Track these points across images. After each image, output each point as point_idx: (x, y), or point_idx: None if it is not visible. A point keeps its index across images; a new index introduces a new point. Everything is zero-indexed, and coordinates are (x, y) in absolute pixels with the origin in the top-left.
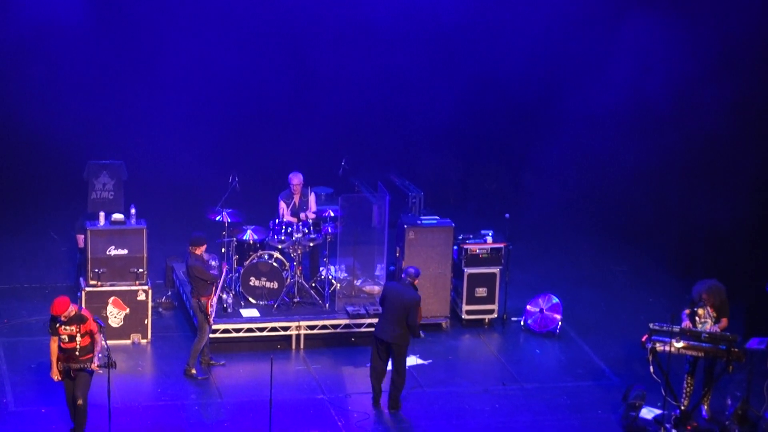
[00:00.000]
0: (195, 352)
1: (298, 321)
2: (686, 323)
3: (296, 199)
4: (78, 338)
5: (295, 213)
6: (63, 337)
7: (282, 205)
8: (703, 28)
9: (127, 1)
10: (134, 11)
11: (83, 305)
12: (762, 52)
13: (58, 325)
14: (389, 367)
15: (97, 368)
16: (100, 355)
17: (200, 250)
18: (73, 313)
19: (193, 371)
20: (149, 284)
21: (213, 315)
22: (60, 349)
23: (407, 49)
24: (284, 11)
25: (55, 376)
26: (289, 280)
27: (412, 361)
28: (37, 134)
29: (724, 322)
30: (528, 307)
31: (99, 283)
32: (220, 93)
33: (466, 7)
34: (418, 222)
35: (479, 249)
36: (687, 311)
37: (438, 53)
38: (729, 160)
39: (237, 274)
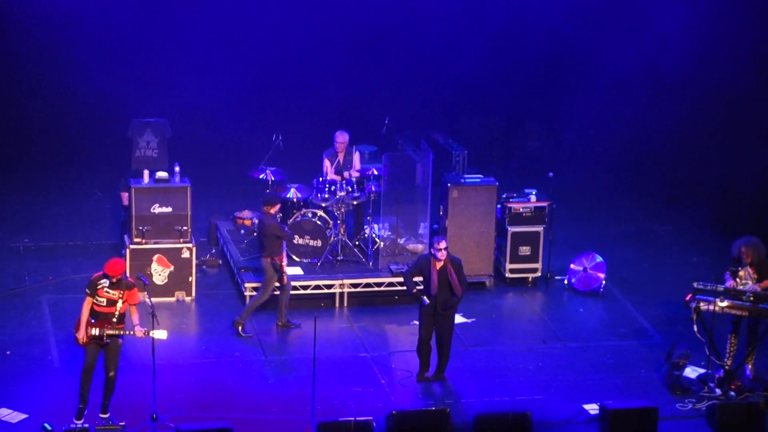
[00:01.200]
0: (250, 308)
1: (342, 279)
2: (730, 282)
3: (341, 157)
4: (119, 304)
5: (339, 171)
6: (101, 300)
7: (326, 163)
8: None
9: None
10: None
11: (128, 263)
12: None
13: (100, 286)
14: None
15: (143, 334)
16: (137, 327)
17: (274, 209)
18: (121, 278)
19: (240, 327)
20: (193, 242)
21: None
22: (93, 312)
23: (451, 9)
24: None
25: (84, 338)
26: (332, 238)
27: (456, 319)
28: (81, 93)
29: (766, 283)
30: (572, 265)
31: (143, 241)
32: (264, 52)
33: None
34: (462, 180)
35: (523, 208)
36: (730, 271)
37: (481, 14)
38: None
39: None
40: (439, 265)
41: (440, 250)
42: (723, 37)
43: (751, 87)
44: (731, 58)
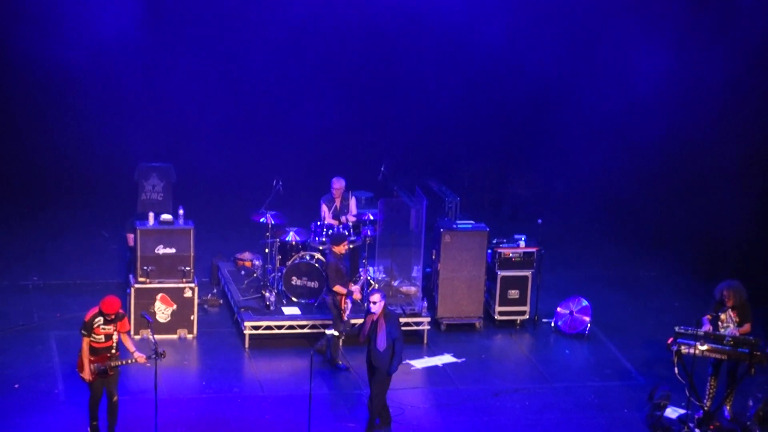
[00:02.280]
0: (333, 345)
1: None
2: (707, 327)
3: (337, 202)
4: (114, 336)
5: (336, 216)
6: (99, 337)
7: (324, 208)
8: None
9: (176, 19)
10: (182, 29)
11: (132, 301)
12: None
13: (96, 325)
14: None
15: (146, 360)
16: (136, 353)
17: (337, 248)
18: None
19: (337, 363)
20: (195, 282)
21: (347, 311)
22: (92, 349)
23: (443, 63)
24: (324, 24)
25: (89, 376)
26: None
27: (446, 359)
28: (90, 139)
29: (747, 327)
30: (558, 309)
31: (147, 280)
32: (265, 102)
33: (502, 24)
34: (454, 226)
35: (512, 253)
36: (708, 317)
37: (475, 69)
38: (754, 168)
39: (279, 274)
40: (372, 317)
41: (373, 303)
42: (701, 86)
43: (730, 135)
44: (710, 107)
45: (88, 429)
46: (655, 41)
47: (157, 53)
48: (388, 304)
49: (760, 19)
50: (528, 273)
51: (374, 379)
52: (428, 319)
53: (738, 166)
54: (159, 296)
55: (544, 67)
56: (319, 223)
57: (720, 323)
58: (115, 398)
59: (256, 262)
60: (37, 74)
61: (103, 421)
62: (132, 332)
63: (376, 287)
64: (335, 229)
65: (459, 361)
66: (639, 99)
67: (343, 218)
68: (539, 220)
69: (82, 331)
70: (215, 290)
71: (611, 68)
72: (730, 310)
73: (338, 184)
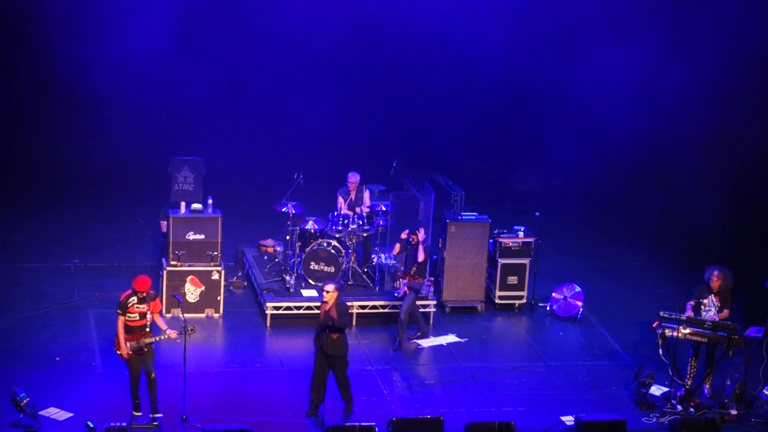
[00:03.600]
0: (419, 319)
1: (352, 301)
2: (690, 312)
3: (353, 195)
4: (148, 315)
5: (351, 207)
6: (133, 315)
7: (340, 199)
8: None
9: (207, 23)
10: (213, 33)
11: (165, 283)
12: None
13: (130, 304)
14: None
15: (177, 336)
16: (168, 330)
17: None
18: (148, 291)
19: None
20: (222, 266)
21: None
22: (127, 328)
23: (455, 67)
24: (343, 31)
25: (126, 353)
26: (344, 265)
27: (450, 339)
28: (129, 134)
29: (725, 312)
30: (553, 294)
31: (179, 264)
32: (288, 103)
33: (503, 29)
34: (459, 217)
35: (512, 242)
36: (691, 303)
37: (482, 74)
38: (735, 162)
39: (299, 259)
40: (326, 306)
41: (326, 292)
42: (682, 83)
43: (709, 130)
44: (690, 104)
45: (132, 406)
46: (634, 43)
47: (190, 59)
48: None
49: (735, 18)
50: (526, 261)
51: (334, 366)
52: (434, 302)
53: (716, 161)
54: (189, 278)
55: (542, 73)
56: (336, 213)
57: (702, 307)
58: (153, 375)
59: (278, 248)
60: (81, 76)
61: (145, 398)
62: (164, 311)
63: (387, 273)
64: (350, 219)
65: (462, 341)
66: (625, 98)
67: (357, 209)
68: (537, 213)
69: (118, 311)
70: (240, 273)
71: (599, 71)
72: (713, 295)
73: (353, 178)
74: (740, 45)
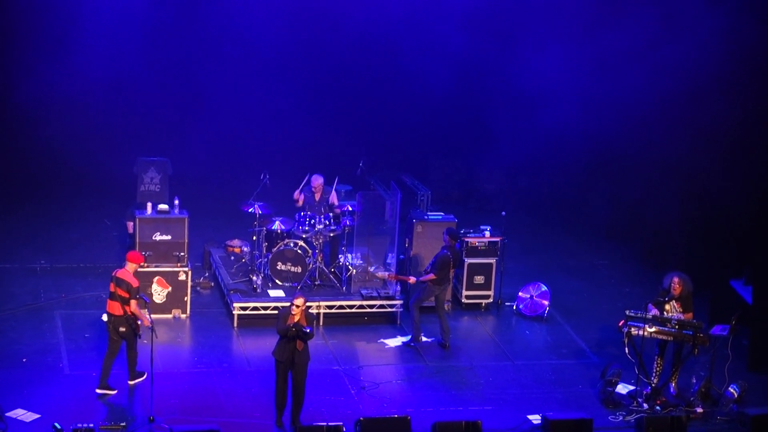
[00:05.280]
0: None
1: (319, 301)
2: (654, 311)
3: (317, 196)
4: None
5: (312, 207)
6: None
7: (302, 195)
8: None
9: (170, 25)
10: (176, 35)
11: None
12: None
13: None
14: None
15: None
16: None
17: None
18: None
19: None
20: (189, 266)
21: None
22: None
23: (421, 70)
24: (306, 34)
25: (148, 322)
26: (311, 265)
27: None
28: (94, 134)
29: (689, 315)
30: (520, 293)
31: (146, 264)
32: (253, 103)
33: (479, 26)
34: (425, 217)
35: (478, 242)
36: (654, 302)
37: (447, 77)
38: (698, 163)
39: (266, 259)
40: (293, 318)
41: (296, 306)
42: (646, 85)
43: (678, 133)
44: (658, 103)
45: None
46: (589, 42)
47: (154, 60)
48: (363, 287)
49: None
50: (492, 260)
51: (297, 373)
52: (401, 302)
53: (680, 163)
54: (156, 279)
55: (502, 75)
56: (303, 213)
57: (665, 312)
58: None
59: (245, 249)
60: (46, 78)
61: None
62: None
63: (354, 273)
64: (317, 219)
65: (429, 340)
66: (592, 102)
67: (324, 209)
68: (503, 213)
69: (135, 296)
70: (207, 274)
71: (558, 72)
72: (674, 300)
73: (316, 182)
74: (694, 40)
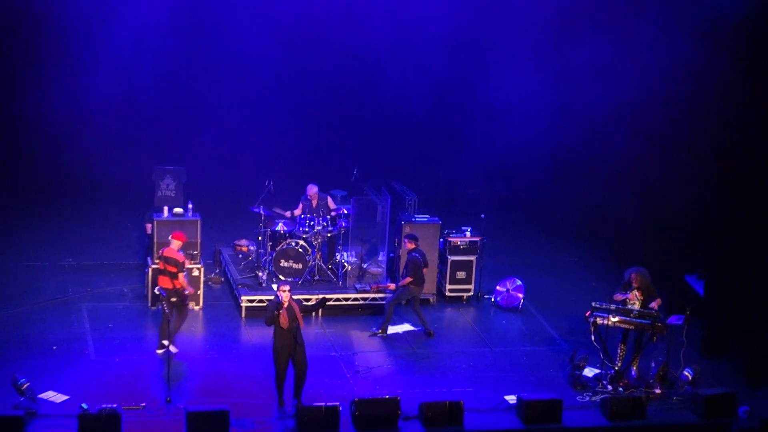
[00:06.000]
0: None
1: (317, 294)
2: (625, 295)
3: (314, 202)
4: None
5: (312, 213)
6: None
7: (300, 206)
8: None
9: (186, 50)
10: (189, 57)
11: (150, 279)
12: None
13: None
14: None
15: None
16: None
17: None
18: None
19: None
20: (202, 263)
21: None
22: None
23: (406, 77)
24: (307, 48)
25: (192, 291)
26: (311, 262)
27: (406, 327)
28: (116, 146)
29: (658, 301)
30: (497, 287)
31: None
32: (259, 117)
33: (456, 49)
34: (413, 219)
35: (460, 241)
36: (619, 295)
37: (435, 93)
38: (652, 172)
39: (270, 257)
40: (285, 304)
41: (285, 291)
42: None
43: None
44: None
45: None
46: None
47: (168, 82)
48: (357, 282)
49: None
50: (473, 258)
51: (300, 355)
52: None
53: (638, 169)
54: None
55: (482, 93)
56: (303, 216)
57: (627, 301)
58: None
59: (251, 248)
60: (71, 93)
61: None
62: (149, 304)
63: (349, 269)
64: (316, 221)
65: (416, 329)
66: (558, 114)
67: (323, 213)
68: (482, 215)
69: (182, 270)
70: (218, 270)
71: (535, 89)
72: (636, 290)
73: (311, 191)
74: (649, 55)
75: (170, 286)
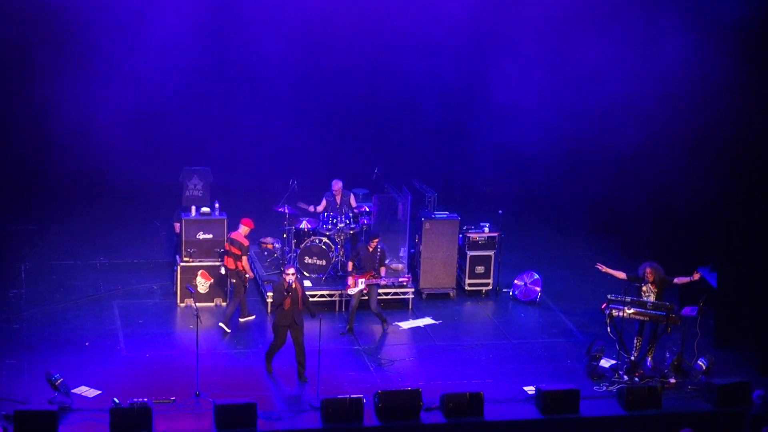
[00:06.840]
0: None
1: (340, 290)
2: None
3: (338, 199)
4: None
5: (335, 209)
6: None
7: (324, 201)
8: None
9: (213, 57)
10: (219, 65)
11: (179, 276)
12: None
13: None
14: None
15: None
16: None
17: (373, 243)
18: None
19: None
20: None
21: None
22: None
23: (422, 79)
24: (333, 59)
25: (252, 275)
26: (334, 259)
27: (427, 321)
28: (145, 148)
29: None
30: (515, 281)
31: (190, 260)
32: (284, 119)
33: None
34: (433, 216)
35: (479, 237)
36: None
37: (451, 92)
38: (666, 168)
39: (295, 254)
40: (292, 286)
41: (288, 274)
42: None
43: (644, 141)
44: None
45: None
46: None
47: (196, 87)
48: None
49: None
50: (491, 253)
51: (299, 334)
52: (412, 290)
53: (652, 165)
54: (200, 272)
55: (496, 96)
56: (326, 214)
57: (642, 293)
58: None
59: (276, 245)
60: (102, 99)
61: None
62: (178, 301)
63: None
64: (338, 218)
65: (437, 322)
66: (572, 112)
67: (316, 208)
68: (500, 212)
69: (246, 253)
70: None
71: (547, 89)
72: (650, 284)
73: (336, 186)
74: (665, 43)
75: (232, 267)
